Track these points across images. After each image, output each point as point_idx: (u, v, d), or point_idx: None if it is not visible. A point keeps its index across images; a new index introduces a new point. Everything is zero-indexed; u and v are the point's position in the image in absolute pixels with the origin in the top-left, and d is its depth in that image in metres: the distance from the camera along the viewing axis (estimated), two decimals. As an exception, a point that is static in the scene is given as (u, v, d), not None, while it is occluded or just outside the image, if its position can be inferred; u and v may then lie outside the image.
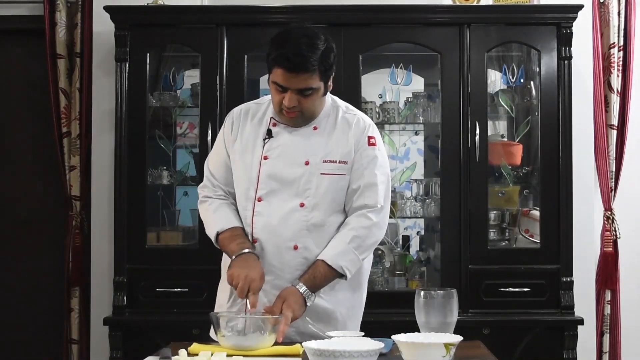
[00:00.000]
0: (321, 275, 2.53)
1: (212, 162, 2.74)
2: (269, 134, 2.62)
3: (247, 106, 2.74)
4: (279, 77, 2.48)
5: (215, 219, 2.65)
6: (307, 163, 2.59)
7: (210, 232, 2.66)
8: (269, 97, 2.67)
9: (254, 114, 2.69)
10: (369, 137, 2.63)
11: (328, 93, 2.66)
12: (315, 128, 2.62)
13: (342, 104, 2.72)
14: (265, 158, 2.60)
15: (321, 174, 2.58)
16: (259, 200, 2.59)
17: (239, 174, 2.65)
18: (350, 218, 2.61)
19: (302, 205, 2.57)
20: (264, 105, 2.70)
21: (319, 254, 2.56)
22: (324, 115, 2.64)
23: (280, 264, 2.56)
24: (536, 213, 4.11)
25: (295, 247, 2.56)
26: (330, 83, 2.60)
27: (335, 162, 2.60)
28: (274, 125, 2.63)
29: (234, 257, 2.53)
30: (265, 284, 2.52)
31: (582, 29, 4.17)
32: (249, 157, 2.62)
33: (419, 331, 2.21)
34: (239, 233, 2.60)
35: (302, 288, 2.50)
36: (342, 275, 2.57)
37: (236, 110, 2.74)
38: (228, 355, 2.22)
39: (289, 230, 2.56)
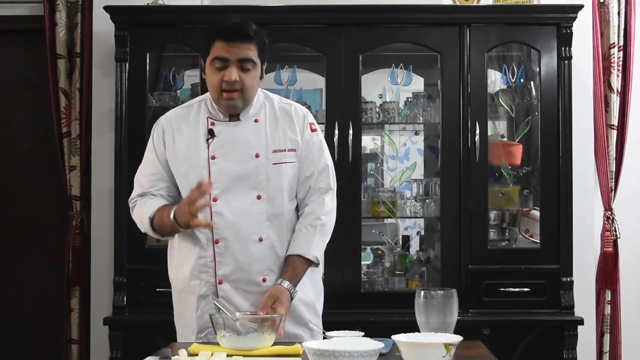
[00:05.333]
0: (301, 270, 2.62)
1: (143, 176, 2.75)
2: (211, 133, 2.65)
3: (175, 112, 2.78)
4: (219, 50, 2.57)
5: (143, 210, 2.66)
6: (257, 155, 2.64)
7: (144, 224, 2.65)
8: (198, 98, 2.76)
9: (187, 117, 2.72)
10: (310, 124, 2.73)
11: (259, 88, 2.72)
12: (256, 120, 2.68)
13: (275, 95, 2.78)
14: (213, 157, 2.63)
15: (273, 164, 2.64)
16: (215, 200, 2.61)
17: (187, 178, 2.65)
18: (311, 206, 2.68)
19: (259, 197, 2.62)
20: (194, 107, 2.73)
21: (280, 241, 2.63)
22: (260, 107, 2.70)
23: (248, 258, 2.61)
24: (536, 213, 4.11)
25: (261, 239, 2.62)
26: (264, 69, 2.68)
27: (285, 150, 2.67)
28: (213, 124, 2.66)
29: (171, 216, 2.54)
30: (236, 281, 2.60)
31: (582, 29, 4.17)
32: (195, 160, 2.62)
33: (419, 331, 2.21)
34: (167, 207, 2.61)
35: (289, 286, 2.56)
36: (312, 263, 2.65)
37: (164, 118, 2.77)
38: (228, 355, 2.22)
39: (251, 223, 2.61)
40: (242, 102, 2.63)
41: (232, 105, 2.62)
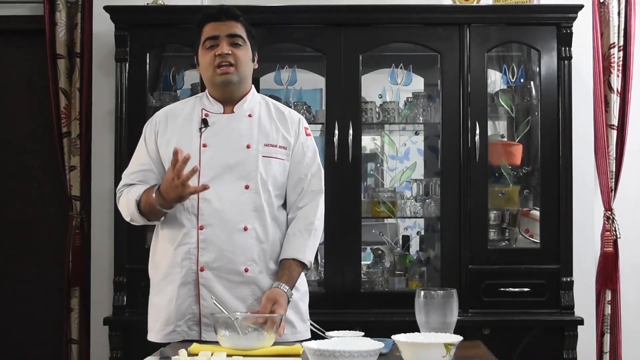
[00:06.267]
0: (296, 273, 2.66)
1: (132, 167, 2.77)
2: (205, 123, 2.70)
3: (170, 107, 2.85)
4: (209, 31, 2.67)
5: (129, 196, 2.68)
6: (248, 147, 2.68)
7: (131, 208, 2.66)
8: (195, 95, 2.83)
9: (181, 111, 2.78)
10: (305, 128, 2.80)
11: (254, 90, 2.78)
12: (250, 115, 2.72)
13: (271, 99, 2.85)
14: (205, 146, 2.67)
15: (263, 156, 2.68)
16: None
17: None
18: (304, 210, 2.72)
19: (247, 187, 2.65)
20: (190, 102, 2.81)
21: (264, 233, 2.65)
22: (255, 104, 2.76)
23: (232, 247, 2.63)
24: (536, 213, 4.11)
25: (246, 229, 2.64)
26: (256, 59, 2.76)
27: (276, 146, 2.71)
28: (207, 115, 2.71)
29: (154, 194, 2.58)
30: (218, 269, 2.62)
31: (582, 29, 4.17)
32: (186, 148, 2.64)
33: (419, 331, 2.21)
34: (151, 188, 2.63)
35: (287, 289, 2.59)
36: (305, 266, 2.71)
37: (158, 114, 2.82)
38: (228, 355, 2.22)
39: (237, 212, 2.64)
40: (237, 77, 2.68)
41: (228, 79, 2.66)
